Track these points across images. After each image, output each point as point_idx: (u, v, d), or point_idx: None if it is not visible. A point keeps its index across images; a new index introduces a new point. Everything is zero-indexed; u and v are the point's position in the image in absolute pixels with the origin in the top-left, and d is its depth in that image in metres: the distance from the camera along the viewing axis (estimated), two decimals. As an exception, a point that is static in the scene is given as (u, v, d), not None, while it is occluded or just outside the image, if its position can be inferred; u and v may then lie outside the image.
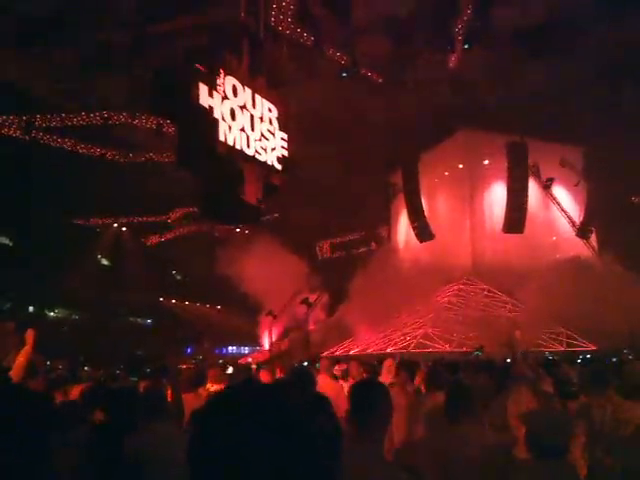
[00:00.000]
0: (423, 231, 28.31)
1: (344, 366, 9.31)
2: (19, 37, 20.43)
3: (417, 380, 6.82)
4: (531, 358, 7.87)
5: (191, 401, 5.32)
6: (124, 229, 35.85)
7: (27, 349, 5.44)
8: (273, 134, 11.63)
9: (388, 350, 21.63)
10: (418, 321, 23.91)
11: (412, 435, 5.51)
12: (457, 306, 24.90)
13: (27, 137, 24.64)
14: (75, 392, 5.26)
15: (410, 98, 25.72)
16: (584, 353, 19.18)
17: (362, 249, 36.14)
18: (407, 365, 7.24)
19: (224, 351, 37.25)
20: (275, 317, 29.10)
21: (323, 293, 31.60)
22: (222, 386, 6.09)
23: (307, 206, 29.56)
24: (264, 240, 27.96)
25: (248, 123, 10.85)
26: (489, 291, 25.64)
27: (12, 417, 1.69)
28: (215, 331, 35.01)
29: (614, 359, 12.38)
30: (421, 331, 22.63)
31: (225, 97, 10.20)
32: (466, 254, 28.14)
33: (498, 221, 27.38)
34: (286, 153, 11.89)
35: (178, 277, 41.28)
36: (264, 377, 7.53)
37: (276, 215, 29.00)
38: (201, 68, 9.74)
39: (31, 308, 33.53)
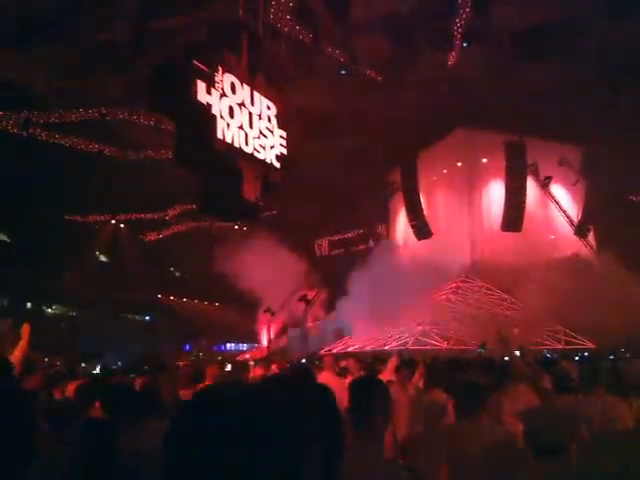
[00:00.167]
0: (421, 229, 28.33)
1: (342, 363, 9.32)
2: (18, 34, 20.39)
3: (416, 377, 6.83)
4: (530, 356, 7.89)
5: (189, 398, 5.29)
6: (122, 226, 35.83)
7: (22, 344, 5.45)
8: (272, 132, 11.63)
9: (386, 347, 21.64)
10: (416, 318, 23.91)
11: (413, 432, 5.52)
12: (455, 304, 24.91)
13: (25, 133, 24.62)
14: (71, 389, 5.24)
15: (409, 96, 25.69)
16: (582, 351, 19.19)
17: (361, 247, 36.17)
18: (407, 363, 7.25)
19: (222, 348, 37.24)
20: (273, 314, 29.13)
21: (321, 290, 31.63)
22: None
23: (306, 203, 29.56)
24: (263, 237, 27.95)
25: (247, 121, 10.84)
26: (487, 289, 25.64)
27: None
28: (213, 328, 35.00)
29: (612, 357, 12.40)
30: (419, 328, 22.64)
31: (223, 94, 10.19)
32: (464, 252, 28.16)
33: (496, 219, 27.41)
34: (285, 151, 11.89)
35: (176, 274, 41.26)
36: (259, 374, 7.53)
37: (274, 212, 29.00)
38: (199, 65, 9.73)
39: (29, 305, 33.48)
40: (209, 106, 9.79)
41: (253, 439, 0.91)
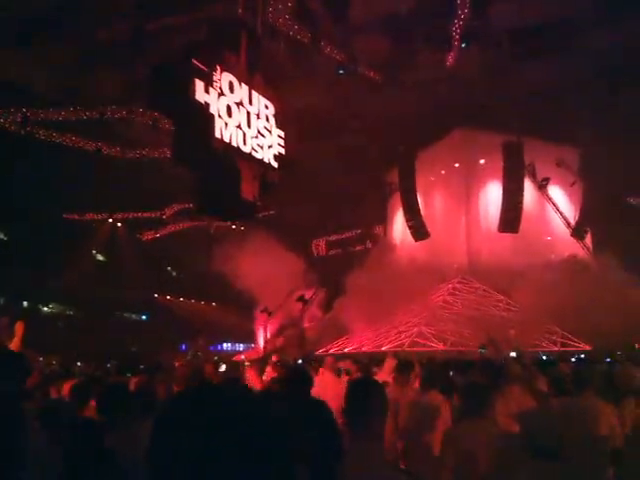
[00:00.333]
0: (419, 230, 28.30)
1: (339, 364, 9.32)
2: (18, 33, 20.36)
3: (412, 378, 6.82)
4: (526, 357, 7.88)
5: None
6: (119, 225, 35.78)
7: (15, 341, 5.45)
8: (270, 131, 11.62)
9: (383, 348, 21.63)
10: (413, 319, 23.91)
11: (410, 434, 5.51)
12: (452, 305, 24.92)
13: (22, 131, 24.57)
14: (67, 388, 5.24)
15: (407, 96, 25.70)
16: (578, 353, 19.20)
17: (358, 247, 36.17)
18: (404, 364, 7.25)
19: (219, 348, 37.20)
20: (270, 314, 29.05)
21: (319, 291, 31.59)
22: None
23: (303, 203, 29.55)
24: (260, 237, 27.94)
25: (245, 120, 10.83)
26: (484, 290, 25.65)
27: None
28: (210, 328, 34.96)
29: (608, 359, 12.39)
30: (416, 329, 22.63)
31: (221, 93, 10.18)
32: (461, 253, 28.18)
33: (493, 220, 27.40)
34: (283, 151, 11.89)
35: (173, 273, 41.22)
36: (250, 375, 7.53)
37: (272, 212, 28.98)
38: (198, 64, 9.72)
39: (25, 303, 33.42)
40: (207, 105, 9.79)
41: (231, 440, 0.91)
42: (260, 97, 11.35)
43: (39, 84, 23.85)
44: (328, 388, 6.62)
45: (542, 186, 29.83)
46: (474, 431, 3.57)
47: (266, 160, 11.30)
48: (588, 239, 29.76)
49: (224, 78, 10.25)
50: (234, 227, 33.55)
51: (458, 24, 22.11)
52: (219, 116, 10.04)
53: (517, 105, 24.09)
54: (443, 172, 30.66)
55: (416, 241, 28.53)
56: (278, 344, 28.55)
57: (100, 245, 36.34)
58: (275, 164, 11.54)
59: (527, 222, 26.92)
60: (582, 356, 17.26)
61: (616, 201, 28.43)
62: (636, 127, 23.06)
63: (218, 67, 10.12)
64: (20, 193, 26.06)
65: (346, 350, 23.51)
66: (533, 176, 29.36)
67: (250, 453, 0.91)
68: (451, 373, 7.63)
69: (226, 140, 10.16)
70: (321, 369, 8.13)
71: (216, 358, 21.84)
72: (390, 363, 7.67)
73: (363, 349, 23.22)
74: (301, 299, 30.23)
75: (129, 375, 7.83)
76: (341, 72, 24.17)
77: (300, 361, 14.36)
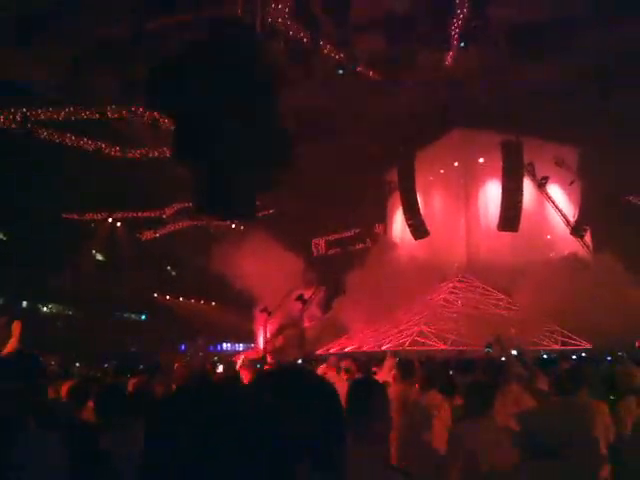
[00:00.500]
0: (418, 229, 28.30)
1: (340, 364, 9.31)
2: (18, 33, 20.35)
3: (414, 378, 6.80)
4: (528, 356, 7.85)
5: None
6: (119, 224, 35.75)
7: (13, 341, 5.43)
8: (269, 130, 11.60)
9: (383, 348, 21.61)
10: (413, 318, 23.90)
11: (411, 434, 5.50)
12: (452, 304, 24.92)
13: (22, 131, 24.55)
14: (65, 388, 5.23)
15: (406, 96, 25.69)
16: (579, 351, 19.19)
17: (358, 246, 36.16)
18: (404, 363, 7.24)
19: (218, 348, 37.19)
20: (270, 314, 29.03)
21: (318, 290, 31.56)
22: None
23: (303, 202, 29.53)
24: (259, 236, 27.91)
25: (244, 119, 10.80)
26: (484, 289, 25.64)
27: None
28: (210, 328, 34.95)
29: (608, 358, 12.40)
30: (416, 329, 22.62)
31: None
32: (461, 252, 28.16)
33: (493, 219, 27.40)
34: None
35: (173, 273, 41.20)
36: (244, 375, 7.51)
37: (271, 211, 28.96)
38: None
39: (25, 303, 33.40)
40: (206, 105, 9.77)
41: (224, 437, 0.90)
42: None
43: (39, 84, 23.85)
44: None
45: (541, 185, 29.82)
46: (478, 430, 3.56)
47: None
48: (588, 237, 29.78)
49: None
50: (233, 226, 33.55)
51: (457, 24, 22.08)
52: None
53: (516, 104, 24.09)
54: (442, 171, 30.64)
55: (416, 240, 28.53)
56: (278, 344, 28.54)
57: (100, 245, 36.30)
58: (274, 164, 11.52)
59: (527, 221, 26.94)
60: (583, 355, 17.25)
61: (616, 199, 28.44)
62: (635, 126, 23.07)
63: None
64: (19, 193, 26.04)
65: (346, 349, 23.50)
66: (532, 175, 29.36)
67: (244, 450, 0.90)
68: (451, 372, 7.62)
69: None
70: (321, 367, 8.12)
71: (215, 359, 21.83)
72: (390, 362, 7.65)
73: (363, 348, 23.21)
74: (301, 298, 30.22)
75: (128, 376, 7.82)
76: (340, 72, 24.13)
77: (300, 361, 14.36)
